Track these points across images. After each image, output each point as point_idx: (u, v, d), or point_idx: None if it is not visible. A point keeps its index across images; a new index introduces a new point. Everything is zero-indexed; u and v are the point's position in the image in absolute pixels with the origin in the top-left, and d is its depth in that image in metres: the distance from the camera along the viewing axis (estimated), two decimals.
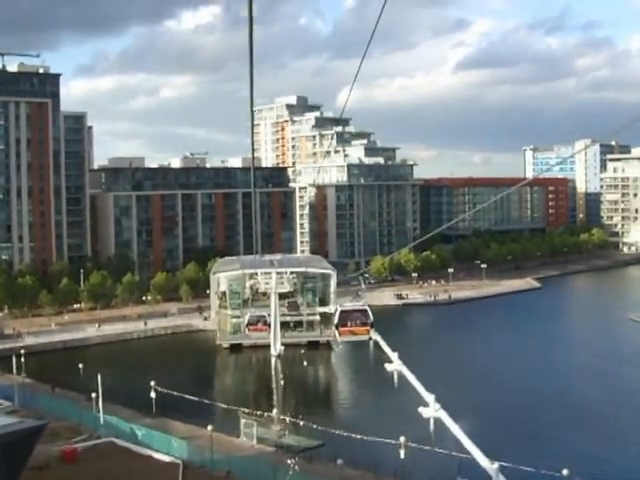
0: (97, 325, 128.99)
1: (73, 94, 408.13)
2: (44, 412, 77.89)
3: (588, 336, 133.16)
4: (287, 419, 71.20)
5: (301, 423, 70.35)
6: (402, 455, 57.58)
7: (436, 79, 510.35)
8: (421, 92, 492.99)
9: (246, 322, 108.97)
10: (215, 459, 61.86)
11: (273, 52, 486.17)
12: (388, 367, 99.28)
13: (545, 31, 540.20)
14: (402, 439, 58.00)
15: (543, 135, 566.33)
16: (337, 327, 48.07)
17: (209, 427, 62.08)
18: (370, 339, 47.60)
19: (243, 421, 69.00)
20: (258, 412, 71.09)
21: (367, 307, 47.87)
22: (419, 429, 75.34)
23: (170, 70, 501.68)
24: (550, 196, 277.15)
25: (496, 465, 39.90)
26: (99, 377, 71.19)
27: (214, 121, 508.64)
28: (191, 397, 74.49)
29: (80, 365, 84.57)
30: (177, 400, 75.45)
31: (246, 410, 70.80)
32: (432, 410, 78.12)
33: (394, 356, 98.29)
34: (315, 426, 68.46)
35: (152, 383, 75.37)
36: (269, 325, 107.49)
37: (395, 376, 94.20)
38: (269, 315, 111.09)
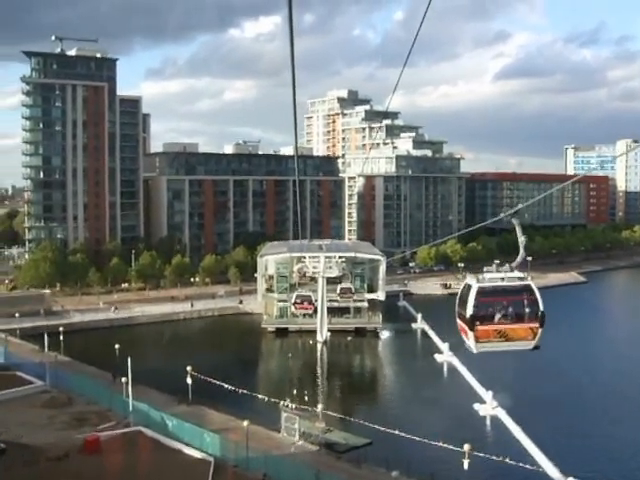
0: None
1: (144, 95, 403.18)
2: (74, 394, 67.63)
3: None
4: (332, 414, 59.01)
5: (348, 418, 58.14)
6: (466, 465, 45.52)
7: (476, 88, 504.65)
8: (462, 99, 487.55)
9: (293, 300, 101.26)
10: (251, 457, 50.30)
11: (327, 60, 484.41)
12: (438, 358, 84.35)
13: (580, 44, 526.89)
14: (466, 447, 45.95)
15: (575, 141, 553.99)
16: (471, 324, 22.08)
17: (245, 422, 50.21)
18: (537, 348, 22.48)
19: (284, 415, 57.14)
20: (301, 406, 59.40)
21: (531, 282, 22.80)
22: (474, 428, 62.92)
23: (233, 75, 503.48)
24: (591, 193, 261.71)
25: None
26: (129, 360, 59.91)
27: (271, 122, 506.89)
28: (230, 386, 63.02)
29: (116, 346, 72.52)
30: (215, 386, 64.33)
31: (288, 404, 58.70)
32: (489, 408, 63.49)
33: (444, 347, 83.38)
34: (363, 422, 56.65)
35: (188, 368, 64.19)
36: (314, 305, 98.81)
37: (445, 367, 79.58)
38: (316, 300, 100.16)
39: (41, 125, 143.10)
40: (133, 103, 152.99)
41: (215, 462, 50.59)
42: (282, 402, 58.37)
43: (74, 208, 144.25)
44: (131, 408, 59.34)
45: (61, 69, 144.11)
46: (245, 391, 62.10)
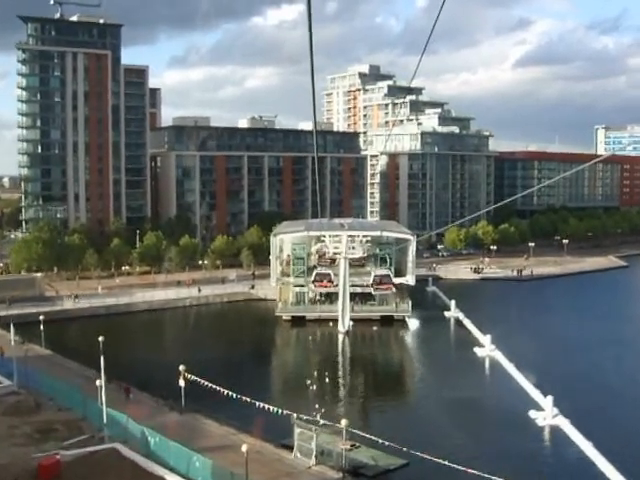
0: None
1: (166, 83, 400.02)
2: (44, 398, 54.91)
3: None
4: (357, 432, 45.27)
5: (378, 441, 44.34)
6: None
7: (496, 75, 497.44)
8: (482, 87, 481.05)
9: (312, 279, 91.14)
10: None
11: (348, 47, 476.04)
12: (479, 352, 67.72)
13: (601, 31, 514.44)
14: None
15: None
16: None
17: (243, 447, 36.83)
18: None
19: (298, 430, 43.86)
20: (319, 417, 46.15)
21: None
22: (532, 443, 48.86)
23: (255, 62, 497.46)
24: (625, 174, 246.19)
25: None
26: (102, 359, 46.98)
27: (292, 109, 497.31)
28: (233, 393, 50.11)
29: (100, 338, 59.09)
30: (216, 388, 51.55)
31: (303, 416, 45.43)
32: (549, 416, 48.87)
33: (486, 340, 67.20)
34: (397, 441, 43.26)
35: (181, 368, 51.29)
36: (334, 282, 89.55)
37: (487, 364, 63.44)
38: (337, 285, 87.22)
39: (38, 96, 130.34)
40: (139, 73, 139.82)
41: None
42: (295, 414, 45.00)
43: (75, 186, 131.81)
44: (105, 419, 46.44)
45: (60, 36, 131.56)
46: (250, 399, 48.95)
